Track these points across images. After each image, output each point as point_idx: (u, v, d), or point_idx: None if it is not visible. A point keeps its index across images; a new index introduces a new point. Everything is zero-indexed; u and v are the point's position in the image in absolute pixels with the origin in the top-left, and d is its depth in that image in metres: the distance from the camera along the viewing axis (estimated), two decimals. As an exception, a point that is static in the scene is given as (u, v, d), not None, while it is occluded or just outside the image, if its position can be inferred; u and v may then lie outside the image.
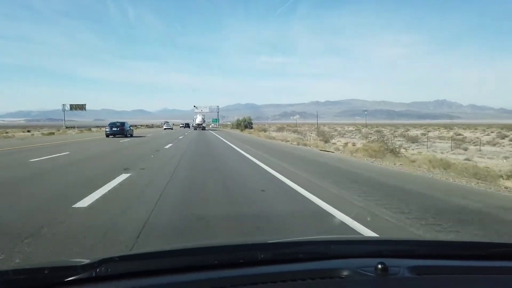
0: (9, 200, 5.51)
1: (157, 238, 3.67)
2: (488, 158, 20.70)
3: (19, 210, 4.84)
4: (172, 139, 26.49)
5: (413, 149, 24.34)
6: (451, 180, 8.17)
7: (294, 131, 64.17)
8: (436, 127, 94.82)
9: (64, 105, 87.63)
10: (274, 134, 44.57)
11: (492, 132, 54.69)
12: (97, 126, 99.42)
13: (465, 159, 17.48)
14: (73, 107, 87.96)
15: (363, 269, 1.17)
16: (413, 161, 11.97)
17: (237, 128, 74.59)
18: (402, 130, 71.19)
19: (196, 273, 1.15)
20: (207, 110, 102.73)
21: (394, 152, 14.57)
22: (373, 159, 12.70)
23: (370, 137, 35.11)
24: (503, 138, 39.21)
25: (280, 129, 73.99)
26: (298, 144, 22.26)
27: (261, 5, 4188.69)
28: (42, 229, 3.85)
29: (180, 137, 30.43)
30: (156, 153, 14.02)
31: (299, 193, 6.29)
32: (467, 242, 1.93)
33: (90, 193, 5.76)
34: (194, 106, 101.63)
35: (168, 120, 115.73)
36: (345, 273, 1.16)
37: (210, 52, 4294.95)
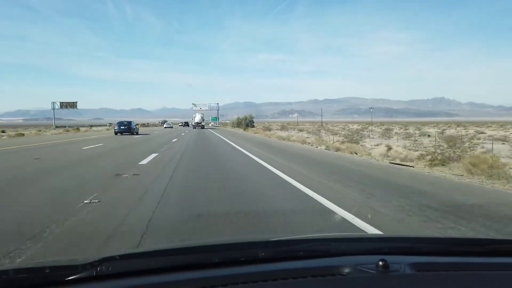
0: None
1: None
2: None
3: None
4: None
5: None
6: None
7: (300, 130, 59.59)
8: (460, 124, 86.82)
9: (53, 103, 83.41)
10: (282, 133, 39.09)
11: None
12: (91, 126, 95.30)
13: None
14: (63, 105, 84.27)
15: (364, 266, 1.16)
16: None
17: (238, 126, 70.30)
18: (434, 129, 59.56)
19: (197, 271, 1.14)
20: (207, 108, 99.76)
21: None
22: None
23: (411, 139, 29.73)
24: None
25: (284, 127, 67.87)
26: (328, 149, 16.45)
27: (259, 3, 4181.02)
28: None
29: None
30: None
31: None
32: (467, 238, 2.11)
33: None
34: (193, 104, 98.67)
35: (166, 119, 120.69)
36: (346, 270, 1.15)
37: (208, 51, 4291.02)
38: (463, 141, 14.95)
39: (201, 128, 63.38)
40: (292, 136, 29.70)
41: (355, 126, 79.29)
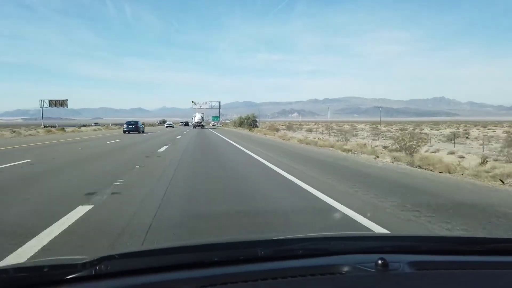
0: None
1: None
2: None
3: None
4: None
5: None
6: None
7: (309, 130, 54.76)
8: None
9: (42, 101, 77.44)
10: (297, 135, 33.10)
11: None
12: (84, 125, 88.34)
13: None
14: (52, 103, 79.00)
15: (363, 264, 1.16)
16: None
17: (240, 126, 66.27)
18: (461, 128, 53.63)
19: (196, 270, 1.14)
20: (207, 107, 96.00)
21: None
22: None
23: (460, 142, 24.94)
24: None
25: (290, 127, 60.95)
26: (393, 162, 10.72)
27: (259, 2, 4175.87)
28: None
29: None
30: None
31: None
32: (466, 237, 2.02)
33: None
34: (193, 102, 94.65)
35: (165, 119, 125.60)
36: (345, 269, 1.16)
37: (208, 50, 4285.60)
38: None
39: (201, 127, 62.54)
40: (314, 138, 23.87)
41: (362, 126, 74.50)
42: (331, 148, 16.30)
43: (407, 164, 10.06)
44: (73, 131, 44.19)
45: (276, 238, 1.54)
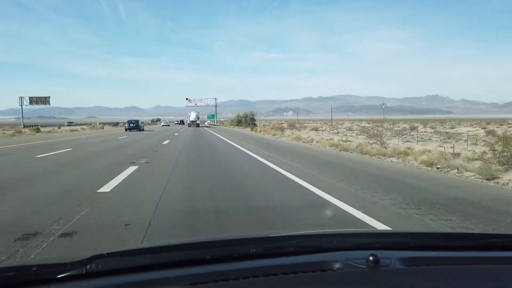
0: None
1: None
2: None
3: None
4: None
5: None
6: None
7: (315, 129, 50.19)
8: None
9: (21, 98, 71.36)
10: (314, 136, 26.31)
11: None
12: (69, 124, 78.02)
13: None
14: (33, 100, 73.81)
15: (355, 261, 1.16)
16: None
17: (238, 125, 62.62)
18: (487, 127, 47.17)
19: (188, 268, 1.14)
20: (202, 104, 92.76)
21: None
22: None
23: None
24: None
25: (292, 126, 56.02)
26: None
27: (254, 0, 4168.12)
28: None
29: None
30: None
31: None
32: (457, 233, 2.15)
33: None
34: (187, 99, 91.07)
35: (159, 118, 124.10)
36: (337, 265, 1.16)
37: (203, 49, 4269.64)
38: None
39: (196, 126, 61.78)
40: (343, 141, 18.99)
41: (365, 124, 70.71)
42: (390, 159, 11.40)
43: None
44: (49, 131, 37.79)
45: (267, 235, 1.53)
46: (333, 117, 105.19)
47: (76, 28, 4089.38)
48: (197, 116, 69.95)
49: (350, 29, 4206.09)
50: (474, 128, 48.42)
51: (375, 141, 18.17)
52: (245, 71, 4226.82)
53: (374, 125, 61.85)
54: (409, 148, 13.95)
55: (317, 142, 19.23)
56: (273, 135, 30.61)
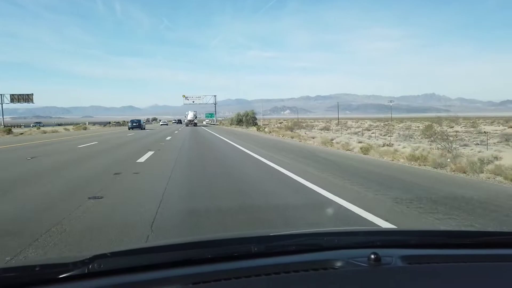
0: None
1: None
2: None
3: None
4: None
5: None
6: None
7: (325, 129, 46.21)
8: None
9: (2, 95, 68.00)
10: (337, 137, 23.71)
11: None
12: (59, 124, 73.03)
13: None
14: (15, 98, 70.31)
15: (356, 259, 1.17)
16: None
17: (238, 124, 59.45)
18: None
19: (189, 267, 1.15)
20: (200, 102, 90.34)
21: None
22: None
23: None
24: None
25: (296, 125, 49.78)
26: None
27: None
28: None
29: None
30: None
31: None
32: (458, 231, 2.21)
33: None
34: (183, 96, 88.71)
35: (155, 117, 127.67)
36: (338, 264, 1.17)
37: (199, 48, 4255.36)
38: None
39: (194, 125, 62.94)
40: (387, 146, 15.44)
41: (368, 123, 67.43)
42: (497, 178, 7.43)
43: None
44: (22, 134, 32.78)
45: (269, 234, 1.55)
46: (330, 116, 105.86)
47: (71, 27, 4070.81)
48: (194, 115, 71.41)
49: (346, 27, 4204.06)
50: (499, 127, 43.73)
51: (442, 146, 13.72)
52: (242, 70, 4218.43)
53: (382, 123, 60.41)
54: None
55: (360, 149, 13.59)
56: (291, 137, 24.30)
